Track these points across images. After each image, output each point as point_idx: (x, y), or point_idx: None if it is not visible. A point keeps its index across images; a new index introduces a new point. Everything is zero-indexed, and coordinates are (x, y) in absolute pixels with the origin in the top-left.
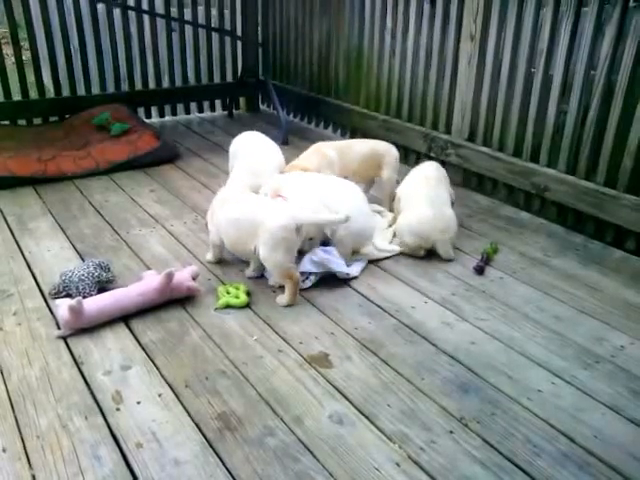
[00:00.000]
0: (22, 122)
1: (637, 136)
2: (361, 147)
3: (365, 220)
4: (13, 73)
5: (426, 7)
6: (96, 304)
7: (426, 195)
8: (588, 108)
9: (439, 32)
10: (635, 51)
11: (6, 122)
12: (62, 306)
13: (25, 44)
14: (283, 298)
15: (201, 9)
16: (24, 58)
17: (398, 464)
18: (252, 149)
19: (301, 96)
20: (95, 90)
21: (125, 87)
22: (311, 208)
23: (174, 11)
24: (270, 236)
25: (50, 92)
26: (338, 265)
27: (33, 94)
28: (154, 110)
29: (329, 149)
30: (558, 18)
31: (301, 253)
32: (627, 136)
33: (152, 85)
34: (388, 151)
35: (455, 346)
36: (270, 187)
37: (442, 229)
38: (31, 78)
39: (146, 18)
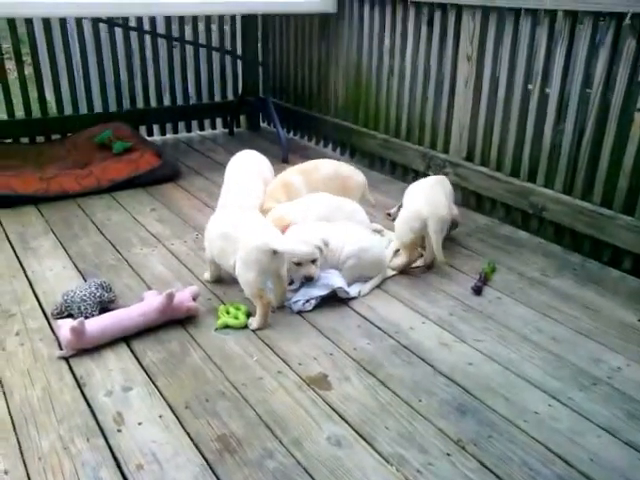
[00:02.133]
0: (25, 140)
1: (632, 157)
2: (324, 168)
3: (379, 252)
4: (15, 87)
5: (424, 28)
6: (98, 325)
7: (421, 191)
8: (584, 129)
9: (436, 52)
10: (629, 71)
11: (9, 140)
12: (64, 326)
13: (28, 59)
14: (254, 321)
15: (201, 26)
16: (26, 73)
17: None
18: (239, 170)
19: (301, 114)
20: (97, 108)
21: (127, 105)
22: (308, 237)
23: (175, 28)
24: (245, 254)
25: (52, 110)
26: (340, 282)
27: (36, 110)
28: (156, 128)
29: (294, 175)
30: (553, 38)
31: (310, 280)
32: (622, 157)
33: (154, 103)
34: (350, 175)
35: (452, 367)
36: (274, 216)
37: (433, 209)
38: (34, 95)
39: (147, 36)
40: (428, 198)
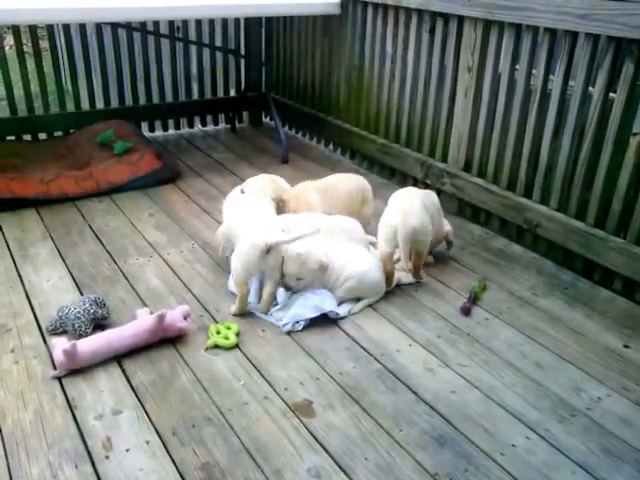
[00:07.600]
0: (27, 137)
1: (626, 180)
2: (345, 184)
3: (378, 275)
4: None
5: (425, 35)
6: (90, 346)
7: (396, 199)
8: (580, 148)
9: (437, 62)
10: (625, 96)
11: (12, 137)
12: (57, 347)
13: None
14: (232, 306)
15: (205, 26)
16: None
17: None
18: None
19: (303, 113)
20: (99, 105)
21: (129, 102)
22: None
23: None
24: (239, 247)
25: (55, 107)
26: (331, 304)
27: (38, 106)
28: (158, 124)
29: (311, 192)
30: (553, 56)
31: (288, 289)
32: (616, 179)
33: (156, 100)
34: (366, 186)
35: (435, 395)
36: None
37: (402, 218)
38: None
39: (150, 36)
40: (400, 207)
